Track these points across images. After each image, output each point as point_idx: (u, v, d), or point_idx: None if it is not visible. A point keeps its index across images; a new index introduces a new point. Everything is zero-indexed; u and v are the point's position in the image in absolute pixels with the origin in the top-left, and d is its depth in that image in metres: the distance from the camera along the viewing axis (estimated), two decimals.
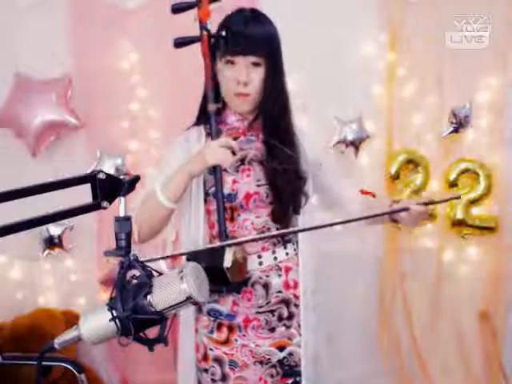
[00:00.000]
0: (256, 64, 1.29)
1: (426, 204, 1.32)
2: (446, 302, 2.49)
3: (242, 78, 1.27)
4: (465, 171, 2.40)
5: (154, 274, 0.88)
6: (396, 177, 2.41)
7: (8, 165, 2.37)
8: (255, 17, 1.31)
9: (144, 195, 1.33)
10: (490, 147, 2.44)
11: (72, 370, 1.05)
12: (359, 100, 2.40)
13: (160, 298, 0.83)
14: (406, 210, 1.31)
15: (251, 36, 1.27)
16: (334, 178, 1.49)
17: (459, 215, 2.40)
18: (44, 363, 0.87)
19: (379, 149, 2.45)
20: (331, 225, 1.29)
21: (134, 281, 0.86)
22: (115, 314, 0.82)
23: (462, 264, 2.51)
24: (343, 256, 2.42)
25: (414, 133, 2.44)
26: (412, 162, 2.40)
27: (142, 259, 0.88)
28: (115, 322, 0.82)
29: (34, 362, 0.87)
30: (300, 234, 1.41)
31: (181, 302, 0.83)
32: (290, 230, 1.37)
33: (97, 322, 0.84)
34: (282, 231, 1.35)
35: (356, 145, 2.38)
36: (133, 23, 2.35)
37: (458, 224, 2.41)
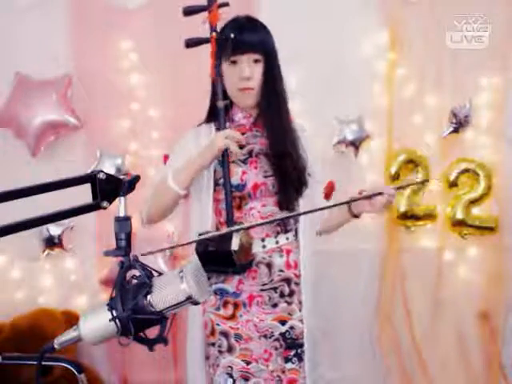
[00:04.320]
0: (256, 61, 1.41)
1: (398, 188, 1.42)
2: (446, 302, 2.49)
3: (246, 73, 1.39)
4: (465, 171, 2.40)
5: (154, 273, 0.88)
6: (396, 177, 2.41)
7: (8, 165, 2.37)
8: (250, 21, 1.45)
9: (157, 181, 1.44)
10: (490, 147, 2.44)
11: (72, 370, 1.04)
12: (359, 100, 2.40)
13: (160, 297, 0.83)
14: (379, 194, 1.36)
15: (250, 36, 1.41)
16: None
17: (459, 215, 2.40)
18: (44, 363, 0.87)
19: (379, 149, 2.45)
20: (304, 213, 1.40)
21: (134, 281, 0.86)
22: (115, 314, 0.82)
23: (462, 264, 2.51)
24: (343, 256, 2.42)
25: (414, 133, 2.44)
26: (412, 162, 2.40)
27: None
28: (115, 322, 0.82)
29: (34, 362, 0.87)
30: (301, 224, 1.50)
31: (181, 302, 0.83)
32: (288, 214, 1.46)
33: (97, 322, 0.84)
34: (284, 216, 1.44)
35: (356, 145, 2.38)
36: (133, 23, 2.35)
37: (458, 224, 2.41)
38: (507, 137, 2.41)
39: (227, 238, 1.30)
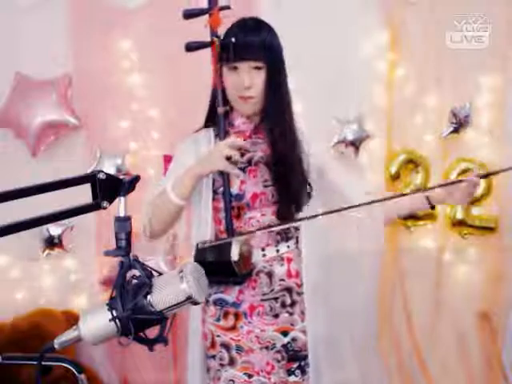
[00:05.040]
0: (257, 68, 1.35)
1: (482, 177, 1.38)
2: (446, 302, 2.49)
3: (245, 82, 1.34)
4: (465, 171, 2.40)
5: (154, 273, 0.88)
6: (396, 177, 2.41)
7: (8, 165, 2.37)
8: (255, 24, 1.38)
9: (155, 194, 1.39)
10: (490, 147, 2.44)
11: (72, 370, 1.04)
12: (359, 100, 2.40)
13: (160, 297, 0.83)
14: (459, 181, 1.35)
15: (251, 42, 1.34)
16: (335, 175, 1.52)
17: (459, 215, 2.40)
18: (44, 363, 0.87)
19: (379, 149, 2.45)
20: (354, 207, 1.29)
21: (134, 281, 0.86)
22: (115, 314, 0.82)
23: (462, 264, 2.51)
24: (343, 256, 2.42)
25: (414, 133, 2.44)
26: (412, 162, 2.40)
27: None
28: (115, 322, 0.82)
29: (34, 362, 0.87)
30: (303, 232, 1.47)
31: (180, 302, 0.83)
32: (298, 219, 1.42)
33: (97, 322, 0.84)
34: (289, 224, 1.40)
35: (356, 145, 2.38)
36: (133, 23, 2.35)
37: (458, 224, 2.41)
38: (507, 137, 2.41)
39: (226, 247, 1.28)
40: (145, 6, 2.34)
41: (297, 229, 1.48)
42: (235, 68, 1.35)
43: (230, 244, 1.29)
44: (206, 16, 1.36)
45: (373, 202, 1.30)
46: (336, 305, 2.41)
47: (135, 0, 2.36)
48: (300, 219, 1.41)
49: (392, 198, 1.32)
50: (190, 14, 1.36)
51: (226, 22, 1.39)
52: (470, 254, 2.50)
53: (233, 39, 1.32)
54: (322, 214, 1.30)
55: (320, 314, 1.50)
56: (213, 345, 1.44)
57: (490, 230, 2.42)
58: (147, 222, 1.37)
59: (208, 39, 1.35)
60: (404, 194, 1.36)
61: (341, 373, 2.45)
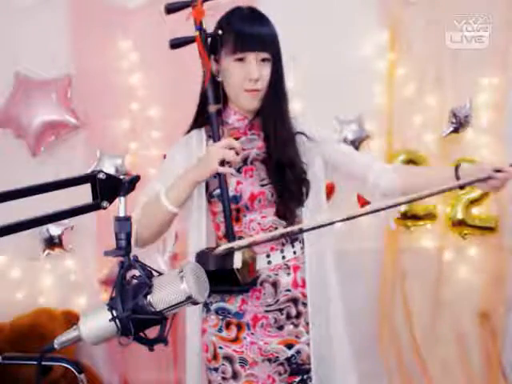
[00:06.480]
0: (264, 60, 1.29)
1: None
2: (446, 302, 2.49)
3: (254, 74, 1.27)
4: None
5: (154, 273, 0.88)
6: None
7: (8, 165, 2.37)
8: (257, 15, 1.32)
9: (145, 200, 1.32)
10: (490, 147, 2.44)
11: (72, 370, 1.05)
12: (359, 100, 2.40)
13: (160, 297, 0.83)
14: (484, 179, 1.24)
15: (260, 32, 1.28)
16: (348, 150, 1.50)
17: (459, 215, 2.39)
18: (44, 363, 0.87)
19: (379, 149, 2.44)
20: (394, 206, 1.21)
21: (134, 281, 0.86)
22: (115, 314, 0.82)
23: (462, 264, 2.50)
24: (343, 256, 2.42)
25: (413, 133, 2.44)
26: (412, 162, 2.40)
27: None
28: (115, 322, 0.82)
29: (34, 362, 0.87)
30: (305, 234, 1.41)
31: (181, 302, 0.83)
32: (304, 226, 1.35)
33: (97, 322, 0.84)
34: (293, 228, 1.31)
35: (356, 145, 2.38)
36: (133, 23, 2.35)
37: (458, 224, 2.41)
38: (507, 137, 2.41)
39: (228, 254, 1.20)
40: (145, 6, 2.34)
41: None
42: (241, 59, 1.28)
43: (232, 251, 1.21)
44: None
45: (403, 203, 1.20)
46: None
47: (135, 0, 2.36)
48: (310, 228, 1.30)
49: (452, 187, 1.20)
50: (172, 9, 1.31)
51: (214, 15, 1.34)
52: (470, 253, 2.50)
53: (219, 31, 1.26)
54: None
55: (326, 312, 1.45)
56: (215, 357, 1.38)
57: (490, 229, 2.42)
58: (137, 230, 1.29)
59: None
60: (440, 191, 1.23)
61: (341, 372, 2.45)
